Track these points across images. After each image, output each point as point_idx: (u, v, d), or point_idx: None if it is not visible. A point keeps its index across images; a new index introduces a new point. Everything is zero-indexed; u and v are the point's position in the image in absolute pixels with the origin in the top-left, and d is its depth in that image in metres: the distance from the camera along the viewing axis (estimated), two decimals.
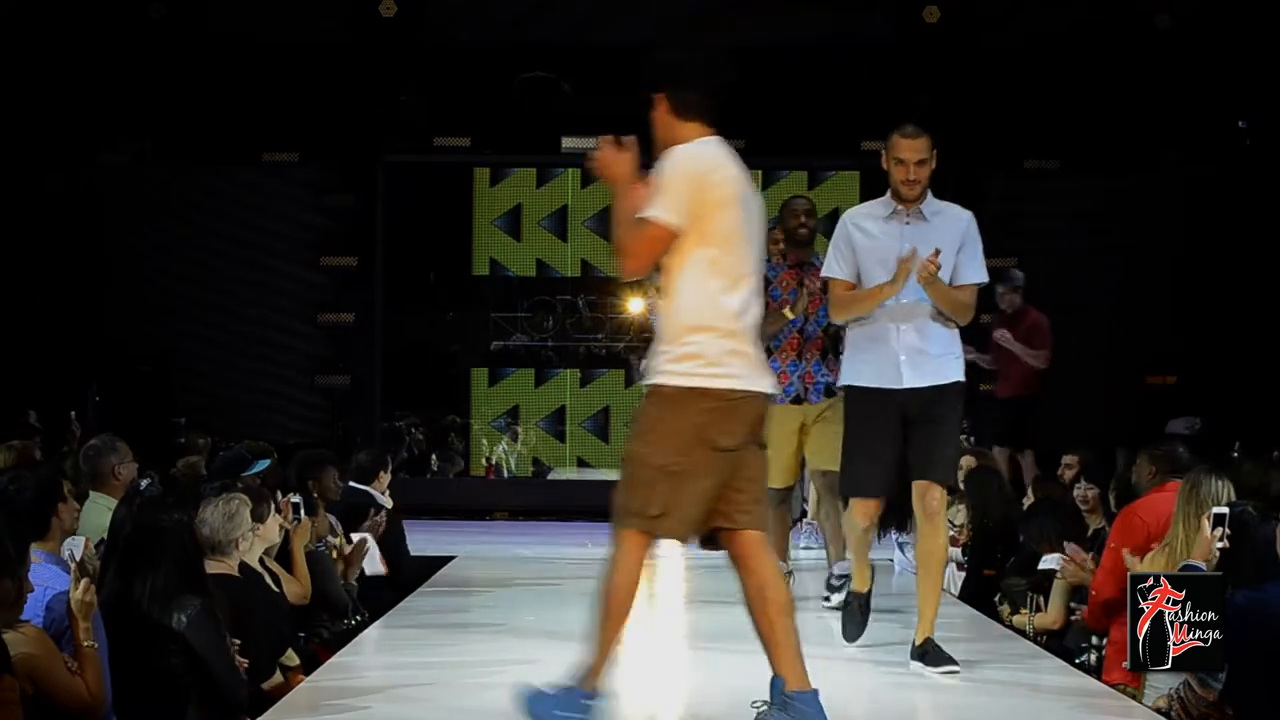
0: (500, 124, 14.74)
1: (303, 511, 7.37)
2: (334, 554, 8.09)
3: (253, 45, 14.31)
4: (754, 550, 5.09)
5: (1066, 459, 9.57)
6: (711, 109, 5.30)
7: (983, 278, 6.57)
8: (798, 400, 8.37)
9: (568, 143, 15.07)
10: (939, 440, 6.52)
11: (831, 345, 8.35)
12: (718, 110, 5.32)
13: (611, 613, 4.96)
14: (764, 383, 5.10)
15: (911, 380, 6.48)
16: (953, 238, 6.49)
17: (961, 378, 6.59)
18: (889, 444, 6.53)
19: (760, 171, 16.88)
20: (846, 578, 7.86)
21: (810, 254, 8.40)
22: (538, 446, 16.77)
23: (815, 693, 4.98)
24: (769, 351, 8.11)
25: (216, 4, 14.30)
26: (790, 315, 8.29)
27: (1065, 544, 7.51)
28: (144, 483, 7.29)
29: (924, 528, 6.55)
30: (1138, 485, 7.47)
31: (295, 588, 7.16)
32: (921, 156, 6.50)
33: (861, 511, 6.73)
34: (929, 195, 6.57)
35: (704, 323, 5.00)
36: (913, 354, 6.49)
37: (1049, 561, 7.65)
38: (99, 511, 7.05)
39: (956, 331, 6.59)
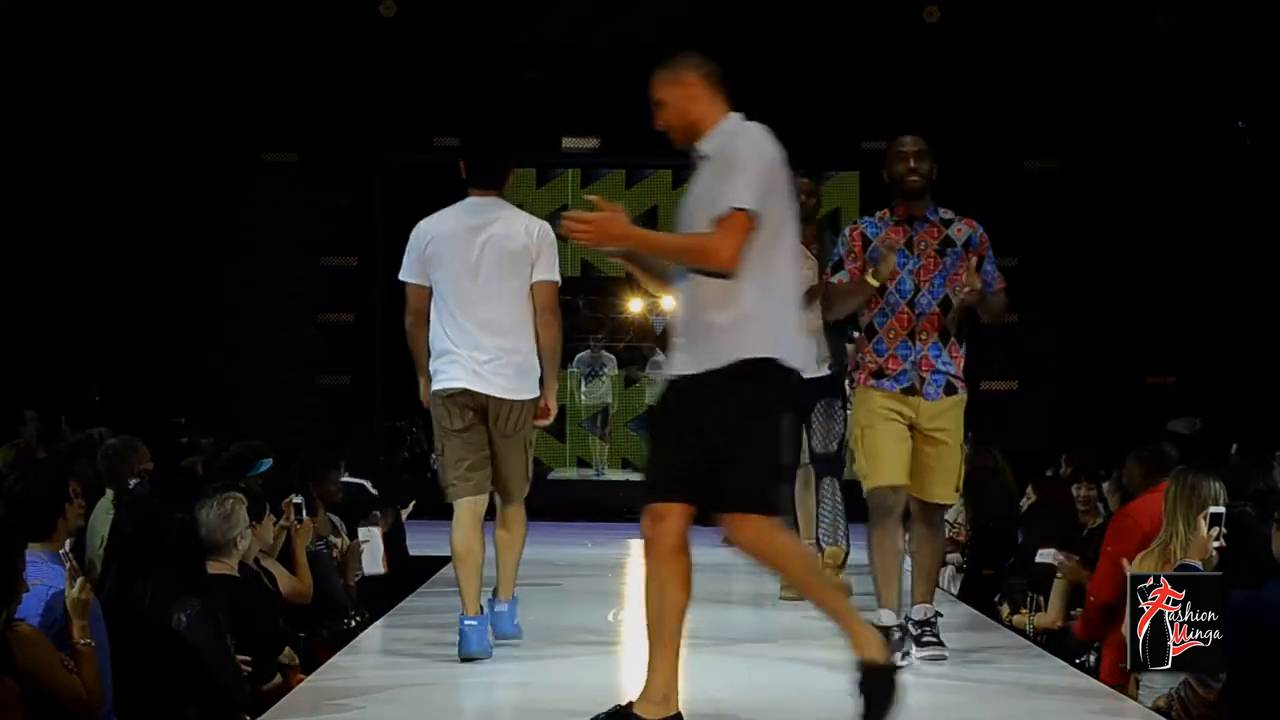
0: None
1: (304, 512, 7.39)
2: (335, 554, 8.10)
3: (253, 44, 14.32)
4: (505, 514, 6.98)
5: (1065, 459, 9.58)
6: (479, 175, 6.86)
7: (732, 202, 4.96)
8: (911, 391, 6.71)
9: (568, 143, 15.08)
10: (711, 451, 4.94)
11: (956, 325, 6.79)
12: (489, 174, 6.86)
13: (456, 559, 6.74)
14: (478, 383, 6.69)
15: (672, 367, 5.11)
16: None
17: (742, 355, 4.93)
18: (673, 442, 5.04)
19: None
20: (928, 625, 6.81)
21: (924, 207, 6.78)
22: (537, 446, 16.74)
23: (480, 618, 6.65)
24: (873, 330, 6.75)
25: (216, 3, 14.30)
26: (874, 282, 6.70)
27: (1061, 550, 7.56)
28: (133, 482, 7.31)
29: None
30: (1130, 487, 7.47)
31: (296, 587, 7.17)
32: None
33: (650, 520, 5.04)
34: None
35: (435, 348, 6.78)
36: (679, 332, 5.12)
37: (1045, 555, 7.66)
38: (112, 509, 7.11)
39: (740, 286, 4.98)
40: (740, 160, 5.10)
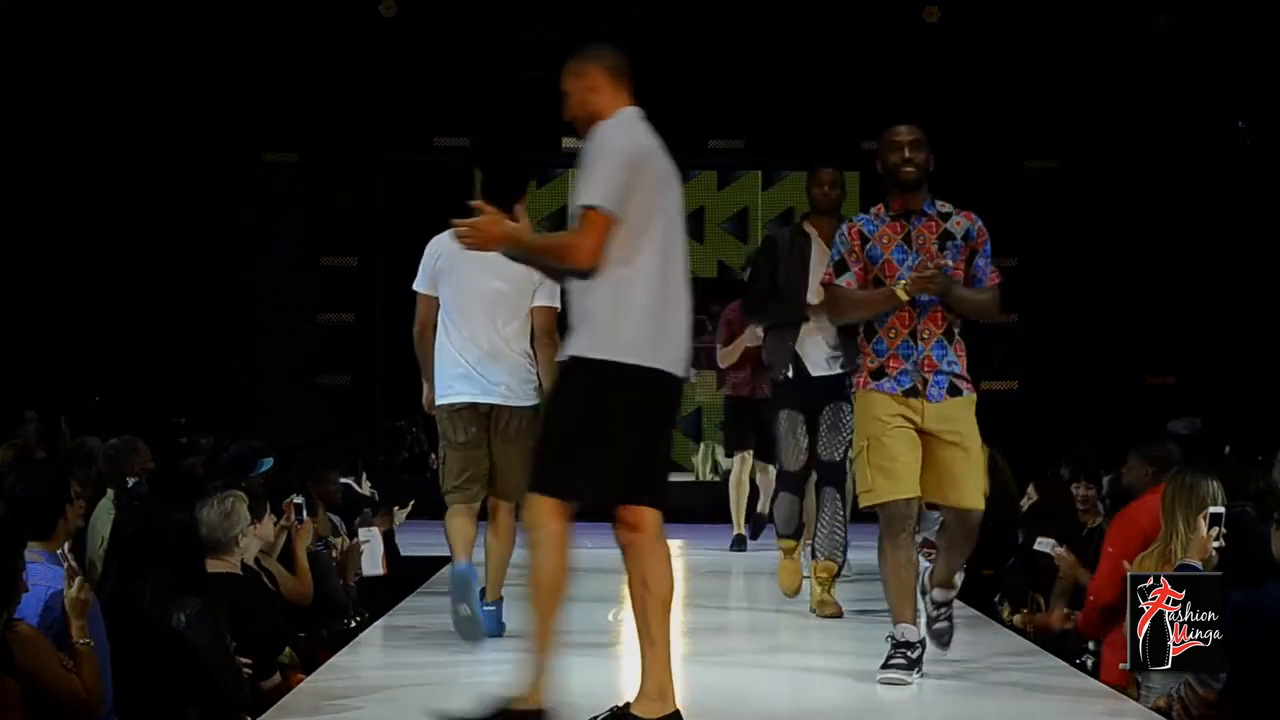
0: (501, 124, 14.74)
1: (304, 512, 7.40)
2: (334, 554, 8.10)
3: (253, 44, 14.32)
4: (498, 511, 7.30)
5: (1064, 459, 9.57)
6: (493, 197, 6.34)
7: (584, 200, 5.06)
8: (913, 393, 6.32)
9: (568, 143, 15.06)
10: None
11: (961, 323, 6.42)
12: (503, 197, 6.44)
13: (450, 534, 7.21)
14: (481, 394, 7.12)
15: None
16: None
17: (576, 352, 5.13)
18: None
19: (760, 172, 16.91)
20: (946, 605, 6.74)
21: (921, 199, 6.42)
22: None
23: None
24: (872, 330, 6.38)
25: (216, 3, 14.29)
26: (904, 296, 6.28)
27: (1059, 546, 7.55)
28: (132, 481, 7.32)
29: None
30: (1133, 485, 7.46)
31: (297, 587, 7.18)
32: None
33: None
34: None
35: (440, 359, 7.25)
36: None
37: (1043, 545, 7.66)
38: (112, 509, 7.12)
39: (594, 285, 5.12)
40: (599, 157, 5.10)
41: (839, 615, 8.15)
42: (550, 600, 5.08)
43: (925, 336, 6.31)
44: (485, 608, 7.21)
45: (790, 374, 8.20)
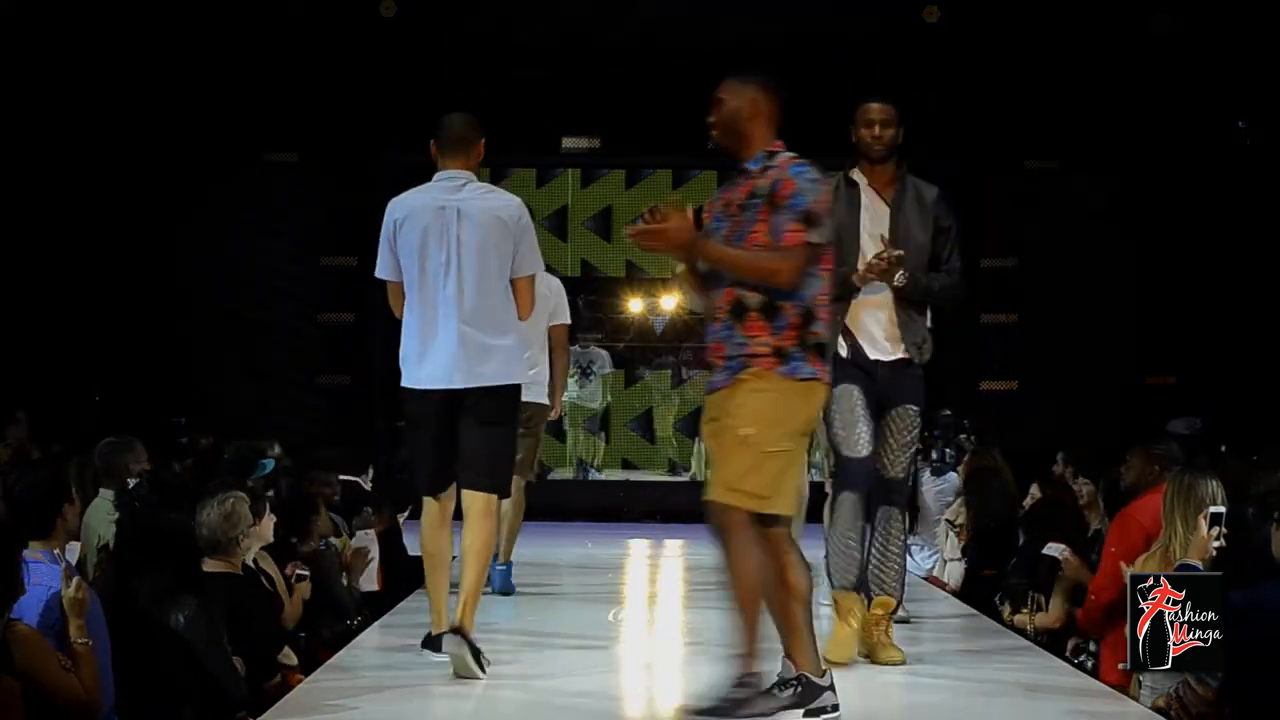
0: (500, 124, 14.72)
1: (308, 581, 7.33)
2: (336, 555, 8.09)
3: (253, 45, 14.32)
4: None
5: (1063, 458, 9.59)
6: None
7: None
8: (711, 387, 5.37)
9: (568, 143, 15.08)
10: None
11: (761, 298, 5.24)
12: None
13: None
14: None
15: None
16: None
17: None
18: None
19: None
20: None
21: (750, 154, 5.55)
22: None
23: None
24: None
25: (217, 4, 14.30)
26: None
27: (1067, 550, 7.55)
28: (132, 482, 7.31)
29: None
30: (1135, 484, 7.46)
31: (286, 608, 7.13)
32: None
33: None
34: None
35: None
36: None
37: (1052, 550, 7.66)
38: (110, 508, 7.10)
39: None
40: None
41: (901, 662, 6.65)
42: (432, 560, 6.74)
43: (719, 317, 5.30)
44: (497, 567, 8.24)
45: (845, 353, 6.60)
